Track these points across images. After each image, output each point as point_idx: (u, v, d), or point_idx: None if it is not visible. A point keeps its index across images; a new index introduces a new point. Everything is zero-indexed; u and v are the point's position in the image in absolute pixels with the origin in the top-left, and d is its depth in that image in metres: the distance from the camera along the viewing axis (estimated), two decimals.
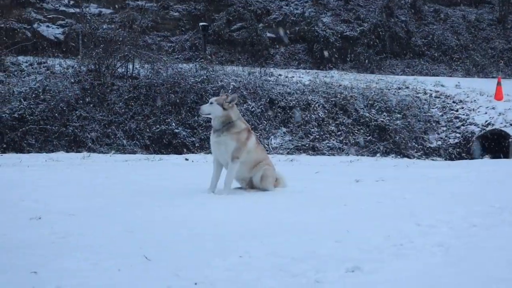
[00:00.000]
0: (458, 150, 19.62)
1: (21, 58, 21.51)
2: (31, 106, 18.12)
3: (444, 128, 20.53)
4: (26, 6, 25.94)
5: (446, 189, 7.70)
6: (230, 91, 19.64)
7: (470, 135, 19.82)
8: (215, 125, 7.23)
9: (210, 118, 7.32)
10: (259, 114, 19.46)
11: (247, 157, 7.25)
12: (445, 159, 18.55)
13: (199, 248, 4.44)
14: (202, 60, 22.92)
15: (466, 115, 20.97)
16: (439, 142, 19.99)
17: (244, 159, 7.23)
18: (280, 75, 23.14)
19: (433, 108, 21.53)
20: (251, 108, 19.46)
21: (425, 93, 22.72)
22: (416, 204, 6.38)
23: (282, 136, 19.24)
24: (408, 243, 4.53)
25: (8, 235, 4.83)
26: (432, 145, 19.87)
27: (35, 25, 25.58)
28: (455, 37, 31.00)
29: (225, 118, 7.16)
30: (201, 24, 26.53)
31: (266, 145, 18.52)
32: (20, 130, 17.46)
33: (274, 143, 18.84)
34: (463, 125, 20.49)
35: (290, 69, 25.98)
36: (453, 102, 22.07)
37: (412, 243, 4.53)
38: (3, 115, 17.51)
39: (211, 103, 7.17)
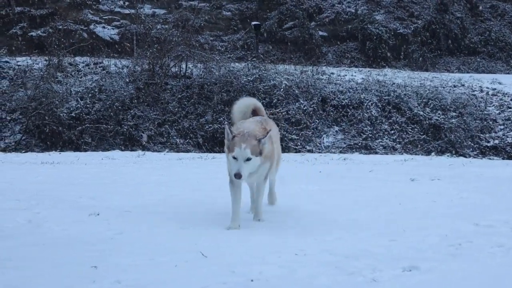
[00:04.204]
0: None
1: (78, 59, 21.99)
2: (88, 105, 18.53)
3: (502, 127, 19.99)
4: (83, 8, 26.58)
5: (504, 188, 7.50)
6: (282, 89, 19.64)
7: None
8: None
9: None
10: (311, 112, 19.38)
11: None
12: (503, 159, 18.05)
13: (253, 245, 4.46)
14: (254, 59, 22.97)
15: None
16: (496, 141, 19.48)
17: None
18: (332, 73, 22.96)
19: (490, 106, 21.00)
20: (303, 107, 19.39)
21: (482, 91, 22.16)
22: (474, 203, 6.24)
23: (334, 135, 19.12)
24: (466, 243, 4.43)
25: (69, 230, 4.97)
26: (489, 144, 19.38)
27: (92, 26, 26.15)
28: None
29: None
30: (253, 23, 26.59)
31: (318, 144, 18.46)
32: (77, 129, 17.87)
33: (327, 141, 18.73)
34: None
35: (343, 68, 25.75)
36: (511, 100, 21.48)
37: (471, 243, 4.43)
38: (61, 114, 17.95)
39: (248, 159, 5.02)
